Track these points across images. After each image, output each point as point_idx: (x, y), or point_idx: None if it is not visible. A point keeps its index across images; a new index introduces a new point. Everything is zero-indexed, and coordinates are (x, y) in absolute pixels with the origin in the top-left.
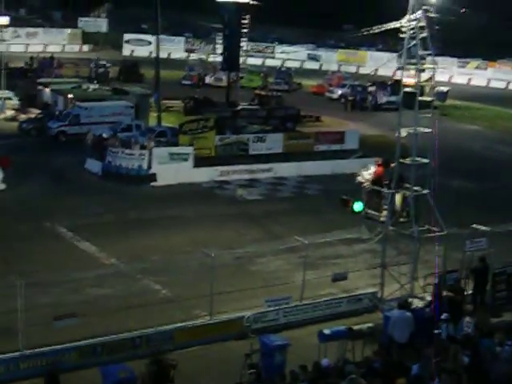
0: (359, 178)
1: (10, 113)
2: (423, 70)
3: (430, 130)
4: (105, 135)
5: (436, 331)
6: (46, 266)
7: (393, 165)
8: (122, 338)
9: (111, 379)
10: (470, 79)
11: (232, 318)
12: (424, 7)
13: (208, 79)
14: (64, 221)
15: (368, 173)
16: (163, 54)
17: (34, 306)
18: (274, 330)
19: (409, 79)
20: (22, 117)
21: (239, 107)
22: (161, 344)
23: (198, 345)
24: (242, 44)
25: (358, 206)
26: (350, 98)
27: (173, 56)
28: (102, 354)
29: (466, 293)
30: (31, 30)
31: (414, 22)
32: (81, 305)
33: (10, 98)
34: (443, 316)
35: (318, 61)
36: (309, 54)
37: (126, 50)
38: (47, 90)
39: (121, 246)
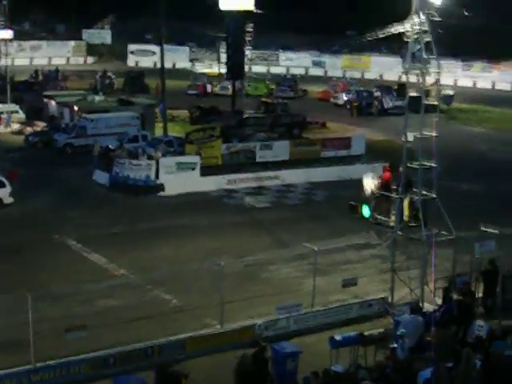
0: (366, 189)
1: (16, 126)
2: (428, 74)
3: (436, 134)
4: (111, 146)
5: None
6: (56, 278)
7: (400, 169)
8: (134, 349)
9: None
10: (475, 82)
11: (243, 325)
12: (427, 11)
13: (209, 88)
14: (73, 233)
15: (371, 181)
16: (168, 64)
17: (44, 319)
18: (286, 338)
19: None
20: (29, 130)
21: (245, 115)
22: (172, 353)
23: (209, 353)
24: (246, 52)
25: (366, 211)
26: (356, 104)
27: (178, 66)
28: (114, 365)
29: (476, 296)
30: (35, 43)
31: (417, 27)
32: (91, 316)
33: (16, 112)
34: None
35: (322, 67)
36: (313, 61)
37: (131, 61)
38: (53, 102)
39: (130, 256)
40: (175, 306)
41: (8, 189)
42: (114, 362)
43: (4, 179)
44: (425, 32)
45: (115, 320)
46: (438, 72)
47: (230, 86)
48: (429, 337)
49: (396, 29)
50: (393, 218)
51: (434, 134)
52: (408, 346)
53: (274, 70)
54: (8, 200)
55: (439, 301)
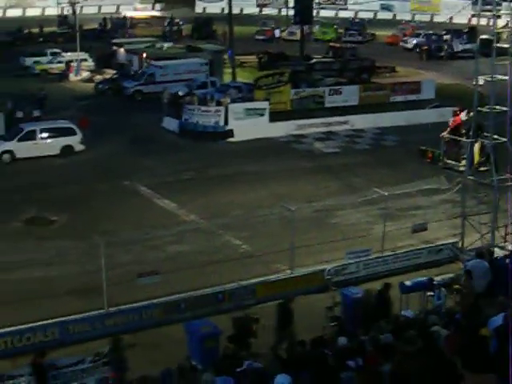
0: None
1: (85, 74)
2: (499, 17)
3: (507, 78)
4: (181, 93)
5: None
6: (127, 225)
7: (471, 114)
8: (205, 294)
9: (196, 334)
10: None
11: (313, 271)
12: None
13: (278, 33)
14: (143, 179)
15: None
16: (235, 10)
17: (116, 265)
18: (355, 283)
19: None
20: (98, 78)
21: (314, 60)
22: (243, 299)
23: (279, 299)
24: None
25: None
26: (425, 48)
27: (245, 11)
28: (186, 310)
29: None
30: None
31: None
32: (162, 262)
33: (85, 60)
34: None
35: (391, 11)
36: (382, 4)
37: (199, 7)
38: (122, 50)
39: (200, 202)
40: (245, 251)
41: (79, 136)
42: (185, 306)
43: (75, 127)
44: None
45: (186, 265)
46: (510, 14)
47: (298, 31)
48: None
49: None
50: (463, 162)
51: (506, 78)
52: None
53: (342, 14)
54: (79, 147)
55: (510, 246)
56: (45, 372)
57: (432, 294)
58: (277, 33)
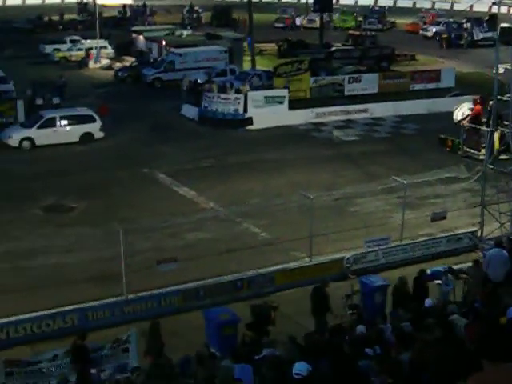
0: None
1: (105, 61)
2: None
3: None
4: (200, 80)
5: None
6: (146, 212)
7: (491, 102)
8: (224, 281)
9: (214, 322)
10: None
11: (332, 259)
12: None
13: (298, 21)
14: (162, 167)
15: (461, 111)
16: None
17: (135, 252)
18: (374, 271)
19: None
20: (118, 65)
21: (333, 48)
22: (262, 286)
23: (298, 286)
24: None
25: None
26: (445, 36)
27: None
28: (205, 297)
29: None
30: None
31: None
32: (181, 249)
33: (105, 47)
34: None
35: None
36: None
37: None
38: (141, 37)
39: (219, 190)
40: (264, 239)
41: (98, 123)
42: (204, 294)
43: (94, 114)
44: None
45: (205, 253)
46: None
47: (317, 19)
48: None
49: None
50: (483, 151)
51: None
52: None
53: (362, 1)
54: (99, 134)
55: None
56: (85, 353)
57: (439, 282)
58: (298, 21)
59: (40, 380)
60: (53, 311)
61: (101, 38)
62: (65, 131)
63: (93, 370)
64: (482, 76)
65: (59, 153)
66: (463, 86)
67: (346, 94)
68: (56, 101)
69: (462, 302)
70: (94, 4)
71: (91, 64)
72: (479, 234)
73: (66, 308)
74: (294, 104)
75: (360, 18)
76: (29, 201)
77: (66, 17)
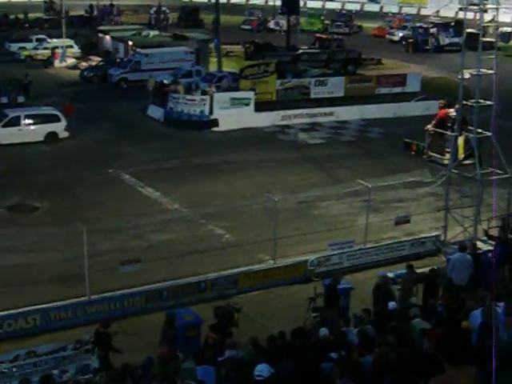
0: None
1: (71, 61)
2: (486, 11)
3: (493, 72)
4: (166, 81)
5: None
6: (110, 212)
7: (456, 107)
8: (187, 283)
9: (177, 323)
10: None
11: (296, 261)
12: None
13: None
14: (127, 167)
15: None
16: None
17: (99, 252)
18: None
19: None
20: (84, 65)
21: (300, 51)
22: (225, 288)
23: (261, 289)
24: None
25: None
26: (412, 40)
27: (232, 1)
28: (168, 298)
29: None
30: None
31: None
32: (145, 250)
33: (71, 47)
34: None
35: (378, 3)
36: None
37: None
38: (108, 37)
39: (184, 191)
40: (228, 240)
41: (63, 123)
42: (167, 295)
43: (59, 113)
44: None
45: (168, 254)
46: (496, 8)
47: (284, 22)
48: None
49: None
50: (447, 155)
51: (492, 72)
52: (458, 285)
53: (329, 5)
54: (63, 134)
55: (493, 240)
56: (108, 339)
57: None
58: (278, 23)
59: (1, 380)
60: (15, 311)
61: (67, 37)
62: (29, 130)
63: (55, 371)
64: (447, 81)
65: (23, 152)
66: (429, 91)
67: (312, 97)
68: (21, 99)
69: (425, 305)
70: (61, 3)
71: (57, 63)
72: (443, 237)
73: (29, 308)
74: (260, 106)
75: (327, 22)
76: None
77: (32, 15)
